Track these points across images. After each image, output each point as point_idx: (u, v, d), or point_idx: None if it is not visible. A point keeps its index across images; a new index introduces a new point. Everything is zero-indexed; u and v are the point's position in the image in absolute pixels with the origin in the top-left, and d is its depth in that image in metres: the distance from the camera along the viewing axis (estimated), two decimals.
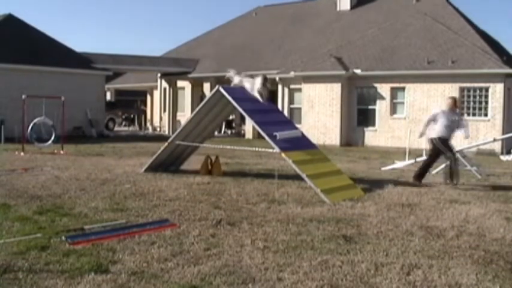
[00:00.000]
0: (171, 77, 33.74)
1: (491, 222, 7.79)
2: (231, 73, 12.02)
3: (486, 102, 22.00)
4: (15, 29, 27.52)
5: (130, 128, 39.13)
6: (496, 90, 21.72)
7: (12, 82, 24.55)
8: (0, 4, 78.98)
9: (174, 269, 5.38)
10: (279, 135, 10.46)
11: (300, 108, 26.12)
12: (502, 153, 20.77)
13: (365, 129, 24.68)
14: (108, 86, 39.32)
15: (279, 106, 25.92)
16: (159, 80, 35.25)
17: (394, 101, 24.08)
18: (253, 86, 11.38)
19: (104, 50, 76.31)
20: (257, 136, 24.08)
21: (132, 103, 43.97)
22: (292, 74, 25.72)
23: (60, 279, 5.00)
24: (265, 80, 11.37)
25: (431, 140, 11.41)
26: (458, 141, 21.15)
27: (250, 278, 5.11)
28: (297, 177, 10.51)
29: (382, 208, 8.70)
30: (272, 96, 26.71)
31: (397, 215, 8.15)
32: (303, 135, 11.75)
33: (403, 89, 23.72)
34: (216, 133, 27.75)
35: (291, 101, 26.94)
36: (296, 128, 11.71)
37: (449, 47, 23.39)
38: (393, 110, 24.09)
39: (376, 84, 24.20)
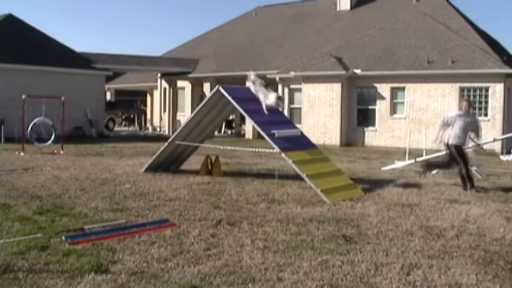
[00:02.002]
0: (171, 77, 33.74)
1: (491, 222, 7.79)
2: (251, 77, 11.91)
3: (486, 102, 22.00)
4: (15, 29, 27.51)
5: (131, 128, 39.12)
6: (496, 90, 21.72)
7: (12, 82, 24.54)
8: (0, 4, 79.02)
9: (174, 269, 5.38)
10: (277, 133, 10.47)
11: (300, 108, 26.12)
12: (502, 153, 20.76)
13: (365, 129, 24.68)
14: (108, 86, 39.30)
15: None
16: (159, 80, 35.25)
17: (394, 101, 24.08)
18: (266, 98, 11.39)
19: (104, 50, 76.37)
20: (257, 136, 24.07)
21: (132, 103, 43.96)
22: (292, 74, 25.71)
23: (60, 279, 5.00)
24: (279, 99, 11.57)
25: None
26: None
27: (250, 278, 5.12)
28: (297, 177, 10.51)
29: (382, 208, 8.70)
30: None
31: (397, 215, 8.15)
32: (302, 135, 11.75)
33: (403, 89, 23.71)
34: (216, 133, 27.75)
35: (291, 101, 26.94)
36: (296, 128, 11.72)
37: (449, 47, 23.39)
38: (393, 110, 24.09)
39: (376, 84, 24.20)
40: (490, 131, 21.43)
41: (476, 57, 22.31)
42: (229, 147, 13.73)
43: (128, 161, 15.63)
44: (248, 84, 11.96)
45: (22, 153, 17.11)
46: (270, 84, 27.85)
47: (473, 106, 11.91)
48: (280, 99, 11.57)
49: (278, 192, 10.08)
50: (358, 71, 24.25)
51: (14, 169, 13.08)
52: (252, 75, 11.88)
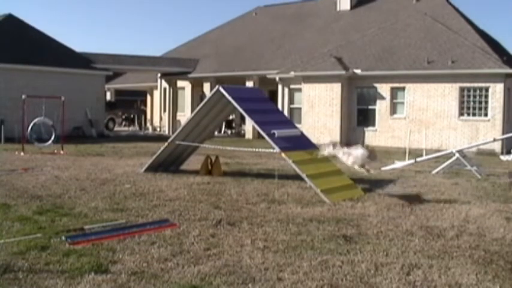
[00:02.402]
0: (171, 77, 33.73)
1: (491, 222, 7.79)
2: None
3: (486, 102, 21.98)
4: (15, 29, 27.50)
5: (131, 128, 39.11)
6: (496, 90, 21.70)
7: (12, 82, 24.53)
8: (0, 4, 79.01)
9: (174, 269, 5.38)
10: (277, 133, 10.46)
11: (300, 108, 26.10)
12: (502, 153, 20.76)
13: (365, 129, 24.66)
14: (108, 86, 39.29)
15: (279, 106, 25.91)
16: (159, 80, 35.24)
17: (394, 101, 24.06)
18: (355, 158, 9.46)
19: (104, 50, 76.37)
20: (257, 136, 24.06)
21: (132, 103, 43.93)
22: (292, 74, 25.70)
23: (60, 279, 5.00)
24: (371, 153, 9.53)
25: None
26: (458, 142, 21.31)
27: (250, 278, 5.12)
28: (297, 177, 10.51)
29: (382, 208, 8.70)
30: (272, 96, 26.79)
31: (397, 215, 8.15)
32: (302, 135, 11.74)
33: (403, 89, 23.70)
34: (216, 133, 27.74)
35: (291, 101, 26.93)
36: (296, 128, 11.71)
37: (449, 47, 23.38)
38: (393, 110, 24.07)
39: (376, 84, 24.18)
40: (490, 131, 21.44)
41: (476, 57, 22.30)
42: (229, 147, 13.73)
43: (127, 161, 15.62)
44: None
45: (22, 153, 17.10)
46: (269, 84, 28.10)
47: None
48: (371, 156, 9.42)
49: (278, 192, 10.07)
50: (358, 71, 24.24)
51: (14, 169, 13.08)
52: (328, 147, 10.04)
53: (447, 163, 13.66)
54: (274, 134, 10.44)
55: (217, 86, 11.37)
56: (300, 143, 11.06)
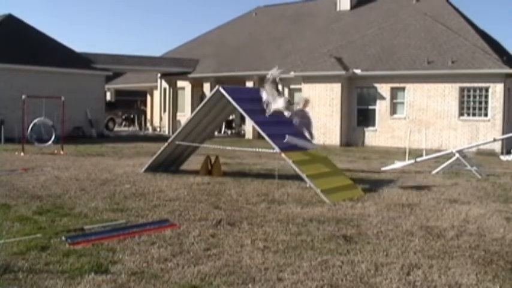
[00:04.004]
0: (171, 77, 33.72)
1: (491, 222, 7.79)
2: (269, 77, 11.04)
3: (486, 102, 21.99)
4: (15, 29, 27.51)
5: (131, 128, 39.10)
6: (496, 90, 21.71)
7: (12, 82, 24.51)
8: (0, 4, 79.00)
9: (174, 269, 5.38)
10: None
11: None
12: (502, 153, 20.76)
13: (365, 129, 24.67)
14: (108, 86, 39.27)
15: None
16: (159, 80, 35.24)
17: (394, 101, 24.07)
18: (274, 102, 10.84)
19: (104, 50, 76.40)
20: (257, 136, 24.06)
21: (132, 103, 43.92)
22: (292, 74, 25.70)
23: (60, 279, 5.00)
24: (288, 102, 11.08)
25: None
26: (458, 142, 21.31)
27: (250, 278, 5.12)
28: (297, 177, 10.51)
29: (382, 208, 8.70)
30: None
31: (397, 215, 8.15)
32: (304, 136, 11.61)
33: (403, 89, 23.71)
34: (216, 133, 27.73)
35: (291, 101, 26.90)
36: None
37: (449, 47, 23.38)
38: (393, 110, 24.08)
39: (376, 84, 24.19)
40: (490, 131, 21.45)
41: (476, 57, 22.30)
42: (229, 147, 13.73)
43: (127, 161, 15.62)
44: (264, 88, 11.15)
45: (22, 154, 17.09)
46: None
47: None
48: (289, 102, 11.05)
49: (278, 192, 10.08)
50: (358, 71, 24.24)
51: (14, 169, 13.08)
52: (270, 74, 11.21)
53: (447, 163, 13.66)
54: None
55: (217, 86, 11.37)
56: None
